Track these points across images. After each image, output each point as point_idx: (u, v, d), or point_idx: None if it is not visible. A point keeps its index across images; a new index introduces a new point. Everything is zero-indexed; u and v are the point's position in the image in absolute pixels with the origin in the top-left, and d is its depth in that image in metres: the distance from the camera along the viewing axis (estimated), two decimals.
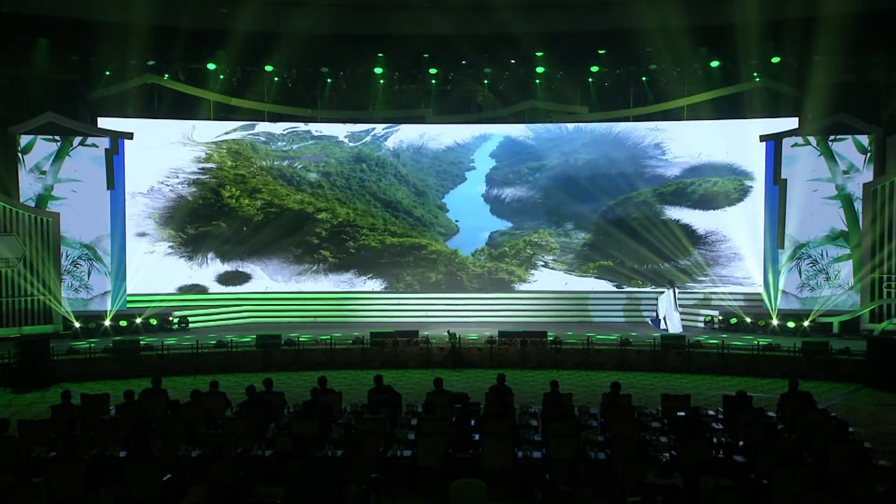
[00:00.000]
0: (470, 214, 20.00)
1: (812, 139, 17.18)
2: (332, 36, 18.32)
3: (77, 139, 17.31)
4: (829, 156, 17.13)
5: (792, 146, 17.39)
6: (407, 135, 20.11)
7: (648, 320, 17.59)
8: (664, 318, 17.31)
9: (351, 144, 20.00)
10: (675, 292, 17.34)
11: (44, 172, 17.11)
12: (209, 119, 19.41)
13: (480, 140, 19.99)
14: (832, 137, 17.15)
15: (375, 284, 20.01)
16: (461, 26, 17.77)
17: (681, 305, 18.21)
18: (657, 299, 17.66)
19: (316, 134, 19.95)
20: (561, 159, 19.78)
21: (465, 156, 20.01)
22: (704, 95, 18.80)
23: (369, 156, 19.90)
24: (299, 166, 19.72)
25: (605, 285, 19.54)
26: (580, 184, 19.58)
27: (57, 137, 17.22)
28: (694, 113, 19.19)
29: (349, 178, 19.93)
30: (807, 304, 17.03)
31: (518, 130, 19.91)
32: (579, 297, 19.48)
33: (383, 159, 19.98)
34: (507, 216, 19.95)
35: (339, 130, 20.11)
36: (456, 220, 20.10)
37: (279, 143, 19.81)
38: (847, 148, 17.14)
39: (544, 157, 19.85)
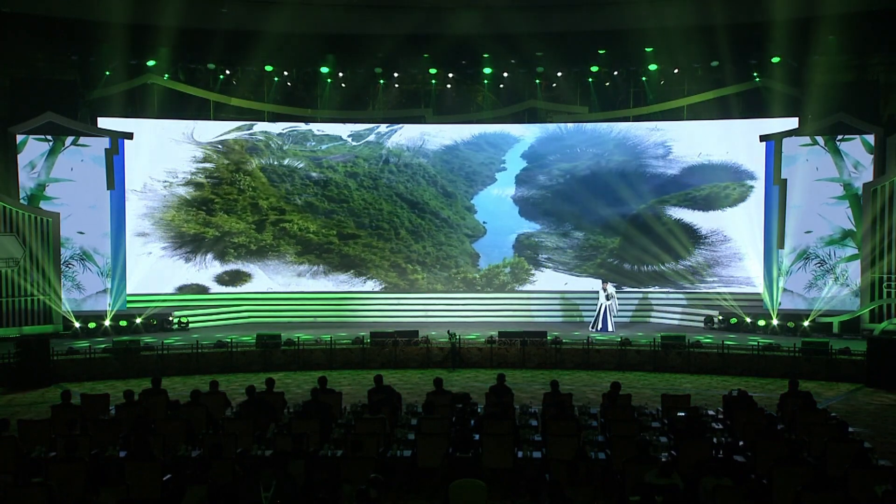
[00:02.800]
0: (498, 216, 19.93)
1: (820, 139, 17.16)
2: (333, 36, 18.33)
3: (69, 139, 17.29)
4: (837, 155, 17.10)
5: (800, 146, 17.36)
6: (410, 134, 20.11)
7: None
8: (598, 319, 17.60)
9: (354, 143, 19.99)
10: (609, 294, 17.77)
11: (34, 169, 17.08)
12: (209, 119, 19.40)
13: (511, 141, 19.92)
14: (840, 137, 17.13)
15: (375, 284, 20.00)
16: (461, 26, 17.77)
17: (674, 306, 18.31)
18: (606, 300, 17.72)
19: (318, 133, 19.92)
20: (592, 160, 19.67)
21: (497, 157, 19.95)
22: (704, 95, 18.80)
23: (398, 155, 19.86)
24: (299, 165, 19.71)
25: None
26: (598, 187, 19.49)
27: (49, 137, 17.20)
28: (694, 113, 19.19)
29: (377, 178, 19.87)
30: (814, 304, 16.98)
31: (548, 131, 19.81)
32: (580, 298, 19.37)
33: (411, 160, 19.93)
34: (535, 218, 19.85)
35: (341, 130, 20.10)
36: (484, 222, 20.08)
37: (310, 143, 19.76)
38: (854, 147, 17.11)
39: (577, 159, 19.80)
